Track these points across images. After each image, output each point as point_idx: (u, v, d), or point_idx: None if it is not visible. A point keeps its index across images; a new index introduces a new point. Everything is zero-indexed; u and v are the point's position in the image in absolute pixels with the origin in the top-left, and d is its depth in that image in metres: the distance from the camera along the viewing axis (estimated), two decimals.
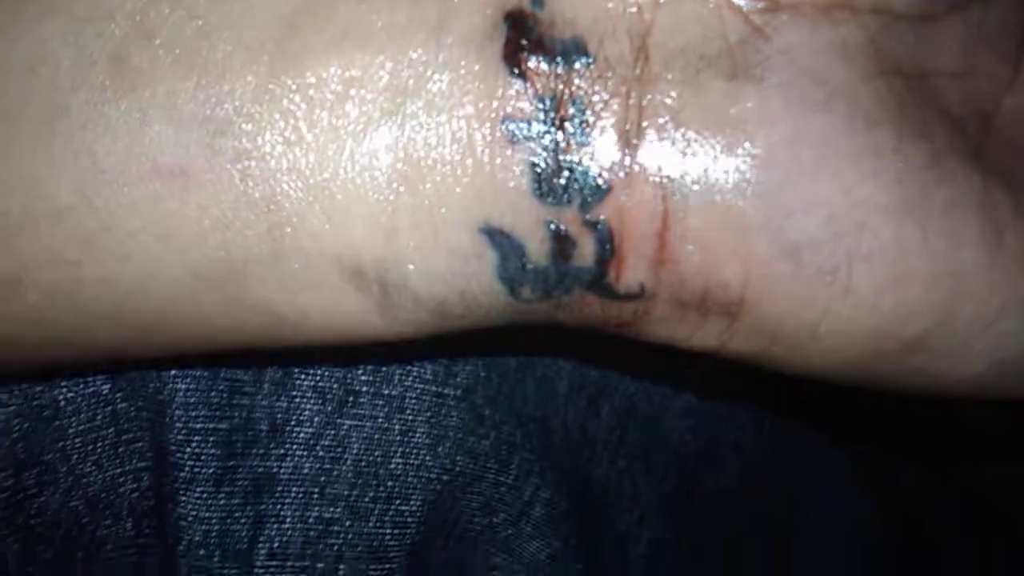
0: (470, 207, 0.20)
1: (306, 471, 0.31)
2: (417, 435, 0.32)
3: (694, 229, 0.20)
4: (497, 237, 0.20)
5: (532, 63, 0.20)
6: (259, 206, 0.20)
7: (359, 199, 0.20)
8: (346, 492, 0.31)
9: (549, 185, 0.20)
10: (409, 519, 0.31)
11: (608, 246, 0.20)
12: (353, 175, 0.20)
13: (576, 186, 0.20)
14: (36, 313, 0.21)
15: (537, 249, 0.20)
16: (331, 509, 0.31)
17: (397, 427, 0.31)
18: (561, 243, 0.20)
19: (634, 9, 0.20)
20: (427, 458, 0.32)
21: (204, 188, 0.20)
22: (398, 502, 0.31)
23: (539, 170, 0.20)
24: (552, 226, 0.20)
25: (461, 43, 0.20)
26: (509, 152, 0.20)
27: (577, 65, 0.20)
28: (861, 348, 0.21)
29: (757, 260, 0.20)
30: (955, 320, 0.20)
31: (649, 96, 0.20)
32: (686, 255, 0.20)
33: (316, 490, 0.31)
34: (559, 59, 0.20)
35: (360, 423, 0.31)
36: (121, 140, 0.20)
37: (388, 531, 0.31)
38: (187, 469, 0.29)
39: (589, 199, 0.20)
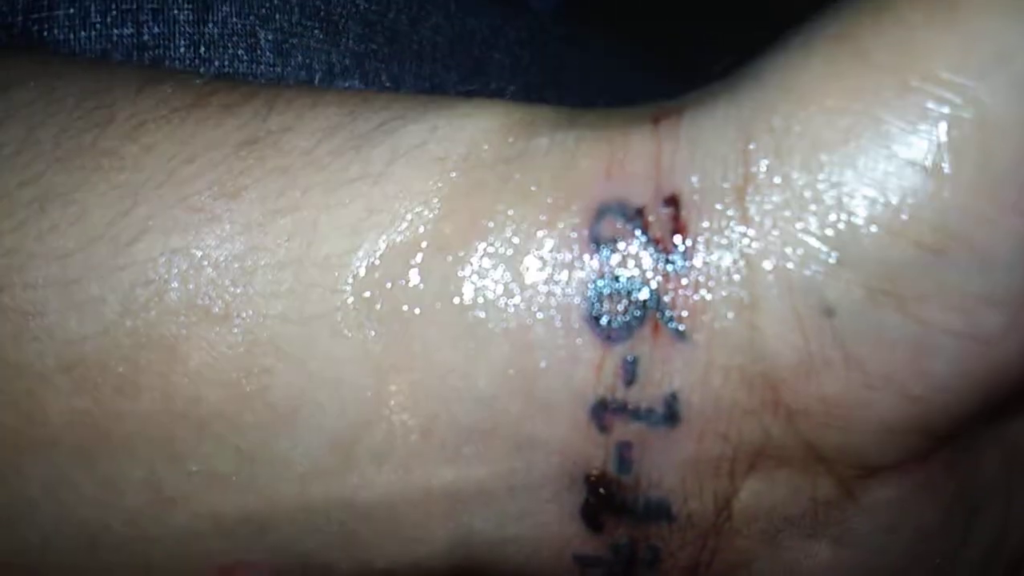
0: None
1: None
2: None
3: None
4: None
5: (611, 521, 0.19)
6: None
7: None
8: None
9: None
10: None
11: None
12: (406, 561, 0.20)
13: None
14: None
15: None
16: None
17: None
18: None
19: (726, 472, 0.19)
20: None
21: None
22: None
23: None
24: None
25: (536, 490, 0.19)
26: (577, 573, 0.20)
27: (657, 523, 0.19)
28: None
29: None
30: None
31: (725, 547, 0.20)
32: None
33: None
34: (639, 518, 0.19)
35: None
36: (173, 553, 0.20)
37: None
38: None
39: None
